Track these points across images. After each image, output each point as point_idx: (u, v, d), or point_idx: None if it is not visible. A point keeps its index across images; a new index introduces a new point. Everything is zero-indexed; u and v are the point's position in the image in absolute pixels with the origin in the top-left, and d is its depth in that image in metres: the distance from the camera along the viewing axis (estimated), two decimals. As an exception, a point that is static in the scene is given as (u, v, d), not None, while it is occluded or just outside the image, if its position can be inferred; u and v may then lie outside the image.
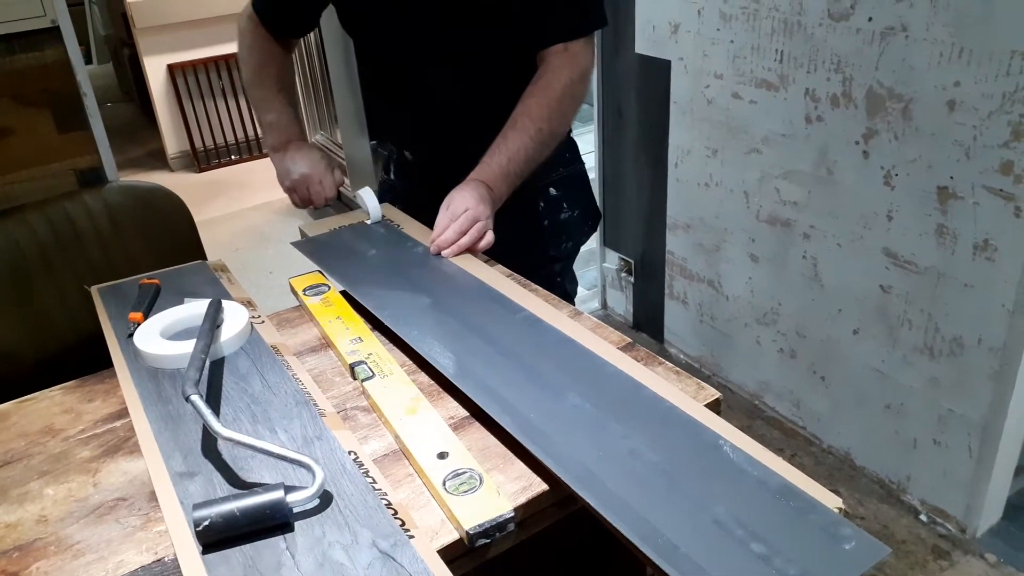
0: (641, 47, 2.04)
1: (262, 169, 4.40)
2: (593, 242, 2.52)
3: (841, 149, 1.57)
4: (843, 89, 1.53)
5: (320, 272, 1.07)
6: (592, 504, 0.58)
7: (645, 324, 2.40)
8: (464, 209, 1.05)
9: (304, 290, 1.02)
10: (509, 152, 1.12)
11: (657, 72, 2.01)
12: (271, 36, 1.27)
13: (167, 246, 1.36)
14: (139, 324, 0.92)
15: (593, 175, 2.41)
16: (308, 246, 1.14)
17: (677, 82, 1.96)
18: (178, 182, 4.32)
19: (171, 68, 4.22)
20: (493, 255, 1.08)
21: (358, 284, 1.00)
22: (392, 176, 1.40)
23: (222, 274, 1.08)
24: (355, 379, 0.83)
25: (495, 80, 1.20)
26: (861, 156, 1.54)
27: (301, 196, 1.22)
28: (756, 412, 1.98)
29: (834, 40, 1.52)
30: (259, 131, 1.28)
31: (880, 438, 1.69)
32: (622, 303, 2.46)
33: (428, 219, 1.10)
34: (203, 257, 1.41)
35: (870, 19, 1.44)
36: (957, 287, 1.43)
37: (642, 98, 2.12)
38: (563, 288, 1.36)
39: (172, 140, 4.45)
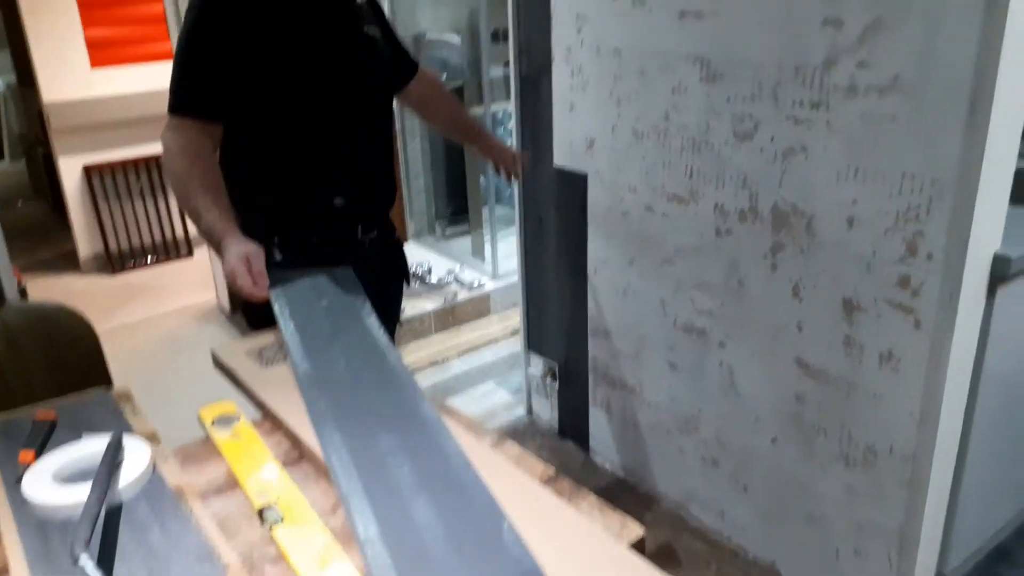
0: (559, 160, 2.11)
1: (179, 272, 4.29)
2: (517, 346, 2.53)
3: (750, 262, 1.64)
4: (750, 204, 1.61)
5: (237, 384, 1.03)
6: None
7: (570, 431, 2.38)
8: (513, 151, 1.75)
9: (213, 422, 0.97)
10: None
11: (575, 184, 2.08)
12: (197, 131, 1.27)
13: (70, 370, 1.29)
14: (29, 465, 0.86)
15: (516, 279, 2.45)
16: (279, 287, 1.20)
17: (593, 194, 2.03)
18: (90, 286, 4.16)
19: (87, 169, 4.13)
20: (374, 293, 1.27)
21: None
22: (281, 255, 1.37)
23: (125, 404, 1.03)
24: (263, 523, 0.78)
25: (384, 117, 1.53)
26: (770, 269, 1.60)
27: (243, 280, 1.15)
28: (682, 524, 1.97)
29: (740, 158, 1.60)
30: (202, 237, 1.26)
31: (804, 549, 1.70)
32: (547, 409, 2.45)
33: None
34: (108, 380, 1.34)
35: (772, 139, 1.53)
36: (867, 396, 1.47)
37: (561, 209, 2.18)
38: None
39: (85, 241, 4.31)
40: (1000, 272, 1.33)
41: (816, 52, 1.38)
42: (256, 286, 1.15)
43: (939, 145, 1.25)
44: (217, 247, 1.20)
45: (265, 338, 1.19)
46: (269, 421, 1.00)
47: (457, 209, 4.11)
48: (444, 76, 3.93)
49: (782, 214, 1.55)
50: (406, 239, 4.11)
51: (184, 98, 1.28)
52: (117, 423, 0.97)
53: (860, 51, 1.32)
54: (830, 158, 1.43)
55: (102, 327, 1.44)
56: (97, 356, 1.33)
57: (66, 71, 4.01)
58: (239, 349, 1.16)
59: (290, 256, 1.35)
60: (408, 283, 1.62)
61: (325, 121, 1.36)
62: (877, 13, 1.28)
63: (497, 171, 1.76)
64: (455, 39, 3.93)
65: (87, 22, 4.06)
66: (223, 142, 1.32)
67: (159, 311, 3.76)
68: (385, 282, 1.53)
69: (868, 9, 1.29)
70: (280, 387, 1.03)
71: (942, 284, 1.32)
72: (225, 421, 0.97)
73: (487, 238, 3.63)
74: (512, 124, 2.32)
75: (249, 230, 1.22)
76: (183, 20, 1.29)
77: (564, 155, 2.09)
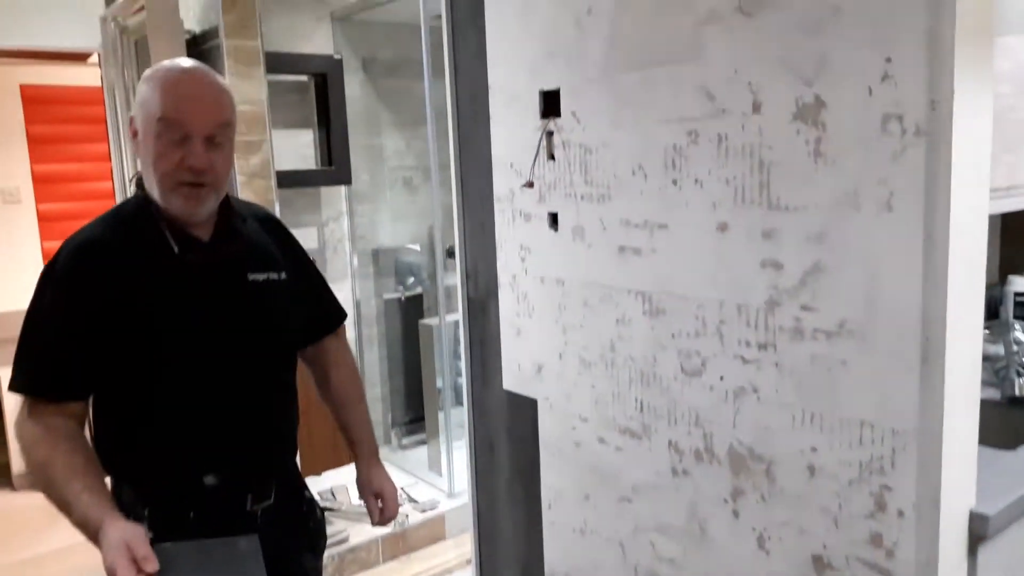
0: (509, 384, 2.02)
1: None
2: (471, 581, 2.30)
3: (711, 506, 1.50)
4: (705, 444, 1.50)
5: None
6: None
7: None
8: (392, 487, 1.47)
9: None
10: (366, 423, 1.52)
11: (525, 410, 1.97)
12: (56, 413, 1.16)
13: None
14: None
15: (468, 509, 2.27)
16: None
17: (544, 421, 1.92)
18: (21, 503, 3.87)
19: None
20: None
21: None
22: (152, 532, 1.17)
23: None
24: None
25: (280, 379, 1.36)
26: (732, 515, 1.46)
27: (125, 573, 1.01)
28: None
29: (690, 394, 1.51)
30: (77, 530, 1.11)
31: None
32: (502, 659, 2.18)
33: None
34: None
35: (721, 378, 1.44)
36: (850, 671, 1.29)
37: (513, 435, 2.06)
38: None
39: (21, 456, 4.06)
40: (979, 531, 1.21)
41: (757, 293, 1.34)
42: (141, 574, 0.99)
43: (895, 394, 1.17)
44: (94, 538, 1.05)
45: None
46: None
47: (415, 417, 3.97)
48: (410, 280, 3.94)
49: (739, 456, 1.44)
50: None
51: (38, 379, 1.16)
52: None
53: (802, 294, 1.27)
54: (783, 401, 1.34)
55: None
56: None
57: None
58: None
59: (162, 535, 1.13)
60: (323, 550, 1.42)
61: (187, 386, 1.21)
62: (816, 257, 1.24)
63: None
64: (416, 247, 3.99)
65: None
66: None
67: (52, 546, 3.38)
68: (291, 555, 1.34)
69: (806, 253, 1.25)
70: None
71: (917, 544, 1.18)
72: None
73: (443, 448, 3.46)
74: (461, 342, 2.25)
75: (119, 499, 1.07)
76: (31, 298, 1.20)
77: (513, 379, 2.00)
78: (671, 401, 1.56)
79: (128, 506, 1.10)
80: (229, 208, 1.31)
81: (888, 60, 1.10)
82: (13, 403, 1.15)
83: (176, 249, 1.22)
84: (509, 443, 2.08)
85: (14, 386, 1.18)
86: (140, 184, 1.26)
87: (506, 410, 2.07)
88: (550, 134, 1.74)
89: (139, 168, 1.26)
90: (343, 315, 1.56)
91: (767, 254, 1.31)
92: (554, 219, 1.78)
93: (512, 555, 2.11)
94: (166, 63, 1.24)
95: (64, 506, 1.10)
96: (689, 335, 1.49)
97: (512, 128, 1.86)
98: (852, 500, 1.26)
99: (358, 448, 1.49)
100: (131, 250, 1.22)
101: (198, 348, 1.22)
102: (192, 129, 1.18)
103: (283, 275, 1.34)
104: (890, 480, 1.20)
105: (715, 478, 1.49)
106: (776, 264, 1.30)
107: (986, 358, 1.43)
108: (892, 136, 1.11)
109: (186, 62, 1.25)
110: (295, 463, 1.39)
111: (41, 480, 1.13)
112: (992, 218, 1.19)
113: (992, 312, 2.28)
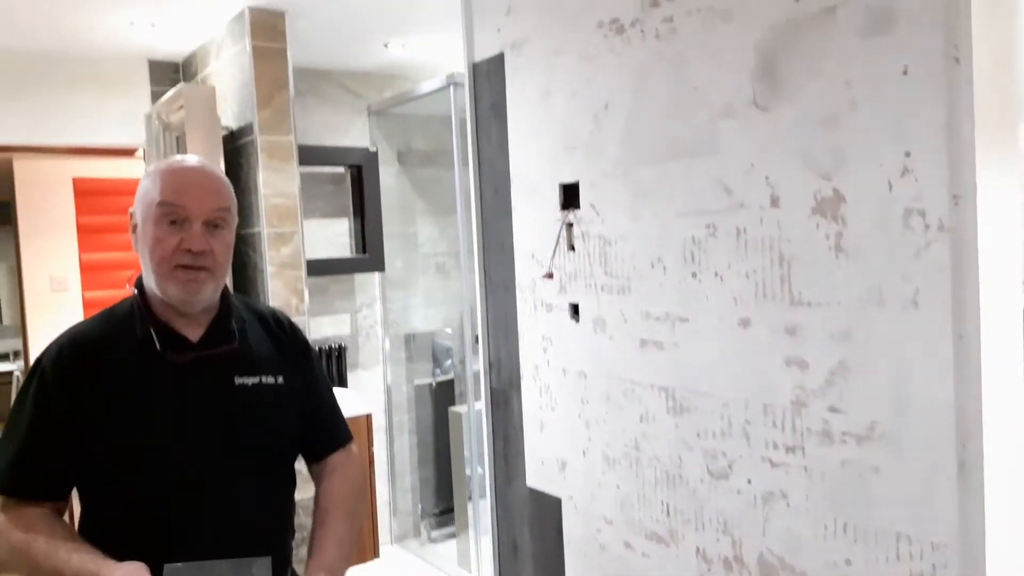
0: (532, 481, 1.95)
1: None
2: None
3: (742, 620, 1.40)
4: (734, 552, 1.41)
5: None
6: None
7: None
8: None
9: None
10: (342, 542, 1.28)
11: (549, 508, 1.90)
12: (34, 509, 1.14)
13: None
14: None
15: (491, 612, 2.17)
16: None
17: (569, 521, 1.84)
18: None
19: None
20: None
21: None
22: None
23: None
24: None
25: (268, 481, 1.28)
26: (764, 631, 1.36)
27: None
28: None
29: (718, 499, 1.43)
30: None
31: None
32: None
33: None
34: None
35: (749, 481, 1.37)
36: None
37: (536, 534, 1.97)
38: None
39: None
40: (1036, 660, 1.10)
41: (783, 392, 1.28)
42: None
43: (932, 505, 1.09)
44: None
45: None
46: None
47: (446, 508, 3.87)
48: (447, 363, 3.91)
49: (770, 567, 1.34)
50: (389, 543, 3.83)
51: (14, 480, 1.16)
52: None
53: (829, 394, 1.21)
54: (814, 509, 1.25)
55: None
56: None
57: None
58: None
59: None
60: None
61: (163, 485, 1.16)
62: (841, 355, 1.18)
63: None
64: (448, 331, 3.98)
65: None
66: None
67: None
68: None
69: (831, 350, 1.20)
70: None
71: (968, 674, 1.08)
72: None
73: (472, 543, 3.35)
74: (484, 435, 2.20)
75: None
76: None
77: (536, 475, 1.93)
78: (698, 505, 1.48)
79: None
80: (226, 307, 1.28)
81: (907, 154, 1.07)
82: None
83: (158, 346, 1.19)
84: (533, 544, 1.99)
85: None
86: (139, 286, 1.26)
87: (530, 508, 1.99)
88: (570, 225, 1.73)
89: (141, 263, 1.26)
90: (347, 437, 1.42)
91: (791, 351, 1.26)
92: (575, 310, 1.74)
93: (536, 664, 1.99)
94: (167, 159, 1.27)
95: (56, 573, 1.07)
96: (715, 435, 1.42)
97: (533, 219, 1.85)
98: (893, 621, 1.16)
99: (312, 559, 1.25)
100: (116, 346, 1.20)
101: (174, 449, 1.18)
102: (191, 212, 1.18)
103: (279, 379, 1.29)
104: (933, 600, 1.10)
105: (745, 589, 1.39)
106: (801, 362, 1.24)
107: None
108: (915, 231, 1.06)
109: (188, 158, 1.27)
110: (286, 560, 1.32)
111: (24, 562, 1.10)
112: (1030, 313, 1.12)
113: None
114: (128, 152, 3.49)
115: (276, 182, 2.53)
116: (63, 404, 1.16)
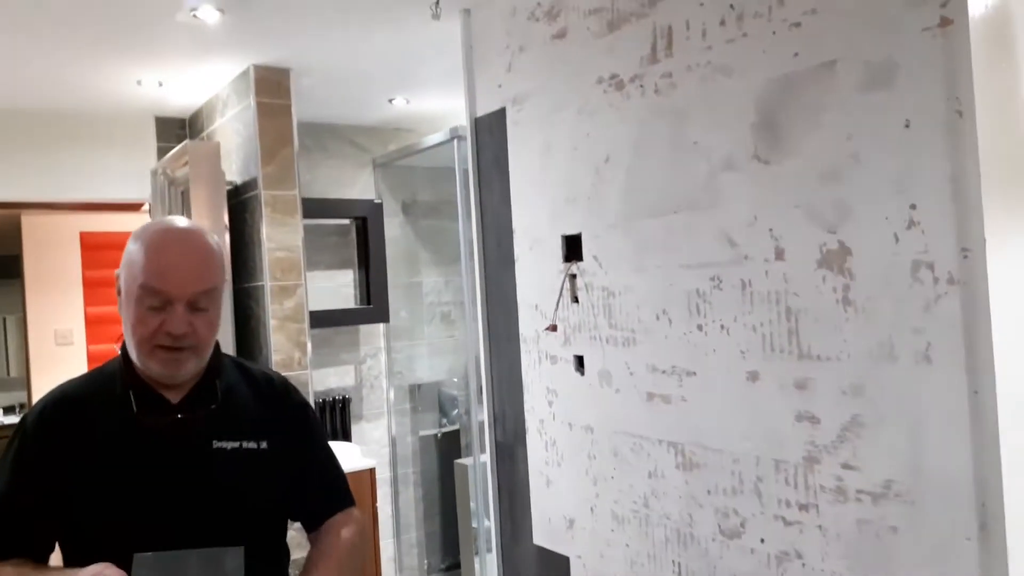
0: (539, 539, 1.90)
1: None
2: None
3: None
4: (749, 614, 1.36)
5: None
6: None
7: None
8: None
9: None
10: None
11: (557, 567, 1.84)
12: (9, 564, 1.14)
13: None
14: None
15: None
16: None
17: (577, 581, 1.79)
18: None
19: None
20: None
21: None
22: None
23: None
24: None
25: (265, 559, 1.22)
26: None
27: None
28: None
29: (731, 558, 1.39)
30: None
31: None
32: None
33: None
34: None
35: (762, 540, 1.33)
36: None
37: (544, 593, 1.92)
38: None
39: None
40: None
41: (794, 448, 1.25)
42: None
43: (953, 566, 1.05)
44: None
45: None
46: None
47: (452, 563, 3.79)
48: (454, 412, 3.87)
49: (786, 630, 1.29)
50: (394, 599, 3.73)
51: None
52: None
53: (842, 451, 1.18)
54: (831, 570, 1.21)
55: None
56: None
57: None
58: None
59: None
60: None
61: (135, 549, 1.10)
62: (853, 411, 1.16)
63: None
64: (454, 380, 3.94)
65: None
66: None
67: None
68: None
69: (842, 406, 1.17)
70: None
71: None
72: None
73: (481, 601, 3.27)
74: (489, 491, 2.15)
75: None
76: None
77: (544, 533, 1.89)
78: (710, 565, 1.43)
79: None
80: (213, 368, 1.24)
81: (913, 207, 1.06)
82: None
83: (135, 409, 1.16)
84: (541, 603, 1.93)
85: None
86: (124, 345, 1.22)
87: (537, 567, 1.94)
88: (573, 277, 1.72)
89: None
90: (348, 503, 1.34)
91: (801, 406, 1.23)
92: (580, 362, 1.72)
93: None
94: (157, 223, 1.21)
95: None
96: (726, 492, 1.38)
97: (536, 270, 1.84)
98: None
99: None
100: (97, 407, 1.18)
101: (148, 515, 1.15)
102: (173, 296, 1.14)
103: (263, 444, 1.23)
104: (958, 668, 1.06)
105: (762, 654, 1.34)
106: (812, 417, 1.22)
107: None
108: (924, 284, 1.05)
109: (178, 222, 1.23)
110: None
111: None
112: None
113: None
114: (135, 207, 3.51)
115: (279, 236, 2.53)
116: (42, 466, 1.14)
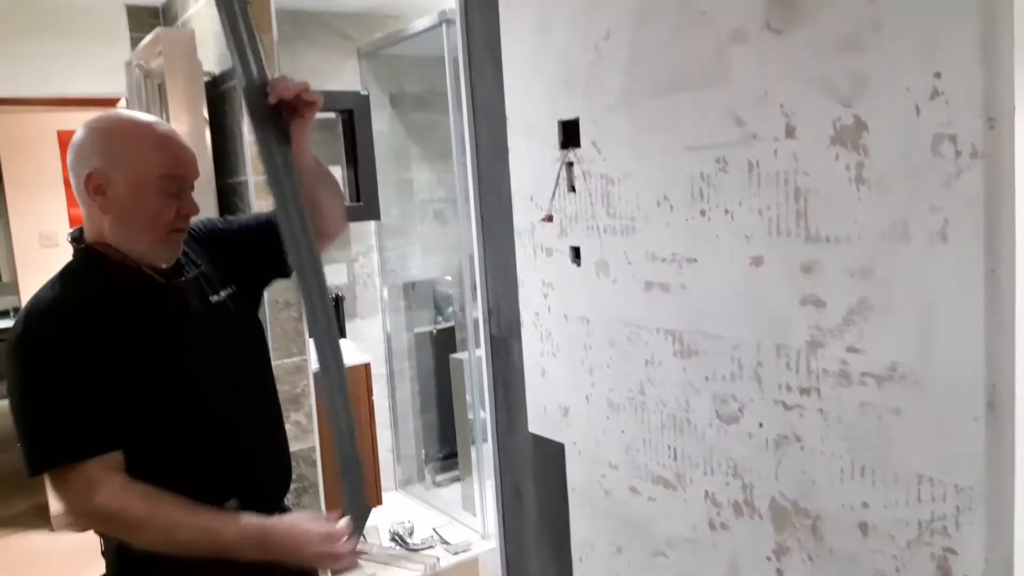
0: (534, 427, 1.91)
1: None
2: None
3: (753, 565, 1.37)
4: (744, 496, 1.37)
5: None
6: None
7: None
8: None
9: None
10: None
11: (552, 454, 1.86)
12: (106, 470, 1.16)
13: None
14: None
15: (497, 561, 2.16)
16: None
17: (572, 467, 1.80)
18: (59, 545, 3.87)
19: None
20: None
21: None
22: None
23: None
24: None
25: (268, 394, 1.42)
26: (776, 575, 1.33)
27: (340, 548, 1.18)
28: None
29: (727, 443, 1.39)
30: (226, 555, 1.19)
31: None
32: None
33: None
34: None
35: (761, 425, 1.32)
36: None
37: (539, 480, 1.95)
38: None
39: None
40: (1062, 602, 1.06)
41: (798, 333, 1.22)
42: (347, 543, 1.19)
43: (957, 447, 1.04)
44: (257, 549, 1.14)
45: None
46: None
47: (449, 452, 3.88)
48: (449, 310, 3.87)
49: (782, 511, 1.31)
50: (394, 488, 3.84)
51: (83, 440, 1.15)
52: None
53: (848, 334, 1.15)
54: (830, 452, 1.21)
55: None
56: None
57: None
58: None
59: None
60: None
61: (199, 413, 1.26)
62: (862, 293, 1.12)
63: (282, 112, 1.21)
64: (448, 279, 3.92)
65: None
66: None
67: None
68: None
69: (850, 289, 1.14)
70: None
71: (990, 618, 1.05)
72: None
73: (476, 487, 3.35)
74: (485, 383, 2.16)
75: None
76: (18, 374, 1.15)
77: (539, 422, 1.90)
78: (707, 449, 1.44)
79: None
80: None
81: (937, 75, 0.99)
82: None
83: (163, 280, 1.27)
84: (537, 489, 1.96)
85: (54, 460, 1.15)
86: (79, 240, 1.25)
87: (532, 454, 1.96)
88: (570, 165, 1.65)
89: (93, 224, 1.25)
90: None
91: (807, 290, 1.20)
92: (576, 253, 1.68)
93: (543, 609, 1.99)
94: (122, 116, 1.27)
95: (208, 537, 1.14)
96: (724, 378, 1.37)
97: (531, 160, 1.77)
98: (911, 564, 1.12)
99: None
100: (107, 298, 1.22)
101: (201, 375, 1.27)
102: (190, 180, 1.26)
103: (232, 288, 1.38)
104: (955, 543, 1.06)
105: (757, 534, 1.36)
106: (817, 301, 1.18)
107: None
108: (944, 159, 0.99)
109: (142, 116, 1.29)
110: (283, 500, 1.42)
111: (158, 535, 1.14)
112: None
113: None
114: (111, 102, 3.38)
115: (263, 127, 2.44)
116: (84, 363, 1.16)
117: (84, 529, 1.21)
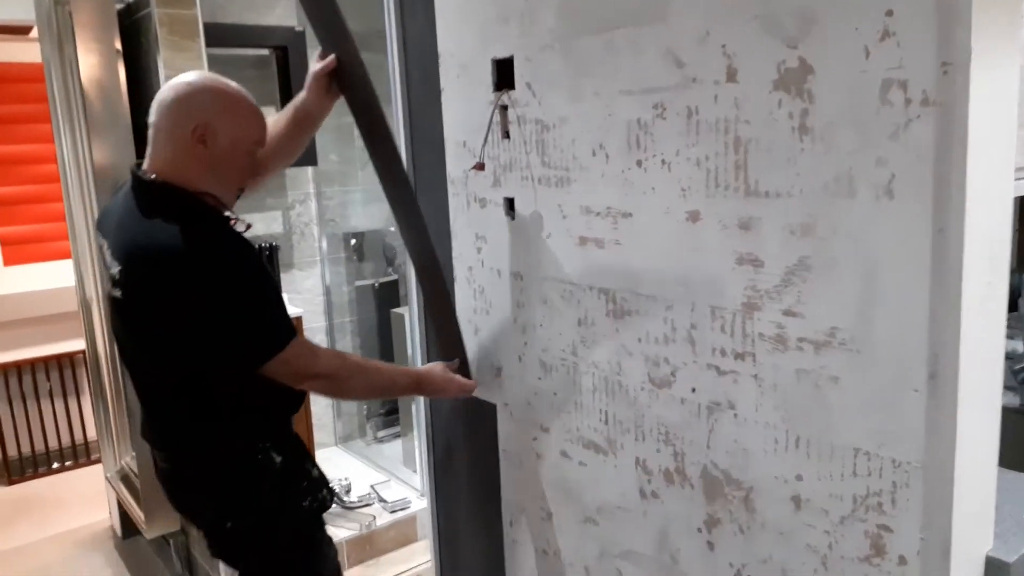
0: (467, 387, 1.82)
1: (78, 482, 3.86)
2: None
3: (683, 534, 1.31)
4: (676, 464, 1.30)
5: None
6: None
7: None
8: None
9: None
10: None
11: (484, 415, 1.78)
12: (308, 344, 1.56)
13: None
14: None
15: (428, 524, 2.09)
16: None
17: (504, 429, 1.72)
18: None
19: (-8, 369, 3.80)
20: None
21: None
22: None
23: None
24: None
25: None
26: (706, 547, 1.28)
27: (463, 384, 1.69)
28: None
29: (659, 408, 1.32)
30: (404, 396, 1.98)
31: None
32: None
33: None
34: None
35: (693, 390, 1.25)
36: None
37: (471, 440, 1.87)
38: None
39: (-24, 449, 3.89)
40: (996, 580, 1.02)
41: (733, 294, 1.14)
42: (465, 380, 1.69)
43: (896, 419, 0.98)
44: (417, 389, 1.69)
45: None
46: None
47: (391, 408, 3.79)
48: (389, 269, 3.75)
49: (714, 481, 1.24)
50: (334, 443, 3.75)
51: (291, 324, 1.47)
52: None
53: (785, 296, 1.07)
54: (764, 421, 1.14)
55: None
56: None
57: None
58: None
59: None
60: None
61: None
62: (801, 252, 1.04)
63: None
64: (392, 230, 3.78)
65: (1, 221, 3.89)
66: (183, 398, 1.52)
67: (44, 534, 3.32)
68: None
69: (789, 247, 1.05)
70: None
71: (922, 596, 1.00)
72: None
73: (417, 443, 3.28)
74: (417, 342, 2.06)
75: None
76: (224, 275, 1.40)
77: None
78: (638, 414, 1.36)
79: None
80: None
81: (889, 13, 0.90)
82: None
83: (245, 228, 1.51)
84: (468, 451, 1.89)
85: (287, 338, 1.44)
86: (184, 190, 1.46)
87: (464, 414, 1.88)
88: (504, 108, 1.53)
89: (179, 165, 1.46)
90: None
91: (744, 248, 1.11)
92: (510, 205, 1.57)
93: (475, 572, 1.93)
94: (224, 82, 1.51)
95: (391, 385, 1.75)
96: (657, 340, 1.29)
97: (464, 102, 1.65)
98: (844, 540, 1.07)
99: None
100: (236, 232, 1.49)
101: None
102: (263, 148, 1.59)
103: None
104: (890, 520, 1.01)
105: (687, 504, 1.30)
106: (755, 260, 1.10)
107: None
108: (893, 107, 0.90)
109: (235, 84, 1.53)
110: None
111: (368, 384, 1.62)
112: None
113: (1010, 304, 2.08)
114: (23, 31, 3.12)
115: (179, 63, 2.24)
116: (267, 272, 1.54)
117: (309, 391, 1.60)
